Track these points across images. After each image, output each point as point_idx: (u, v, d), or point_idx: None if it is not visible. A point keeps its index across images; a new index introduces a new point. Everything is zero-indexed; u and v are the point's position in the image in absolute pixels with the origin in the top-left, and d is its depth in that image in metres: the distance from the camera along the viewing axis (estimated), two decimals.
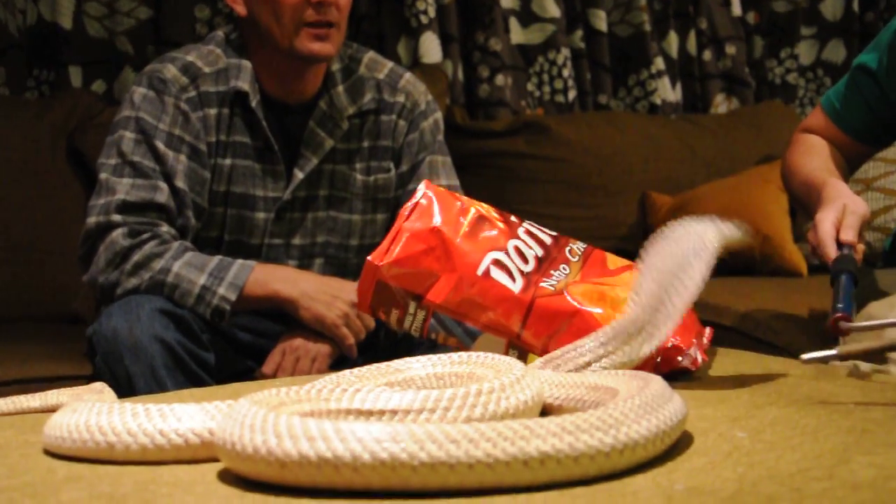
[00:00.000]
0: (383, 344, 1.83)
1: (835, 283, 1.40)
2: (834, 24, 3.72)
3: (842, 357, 1.18)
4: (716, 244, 1.12)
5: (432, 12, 3.12)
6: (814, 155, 1.78)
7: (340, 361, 1.81)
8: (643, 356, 1.12)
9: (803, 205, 1.75)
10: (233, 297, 1.72)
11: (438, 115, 2.00)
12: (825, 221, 1.49)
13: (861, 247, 1.49)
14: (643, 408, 0.85)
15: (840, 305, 1.31)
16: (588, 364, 1.12)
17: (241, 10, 1.84)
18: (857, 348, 1.18)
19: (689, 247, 1.11)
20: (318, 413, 0.88)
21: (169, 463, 0.90)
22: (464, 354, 1.09)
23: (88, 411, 0.93)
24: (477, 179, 2.88)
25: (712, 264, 1.10)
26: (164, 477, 0.86)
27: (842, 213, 1.49)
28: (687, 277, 1.08)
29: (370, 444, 0.77)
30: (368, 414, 0.88)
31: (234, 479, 0.83)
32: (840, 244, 1.47)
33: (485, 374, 1.04)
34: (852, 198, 1.55)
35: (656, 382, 0.92)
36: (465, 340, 1.29)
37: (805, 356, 1.15)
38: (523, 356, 1.27)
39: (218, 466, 0.87)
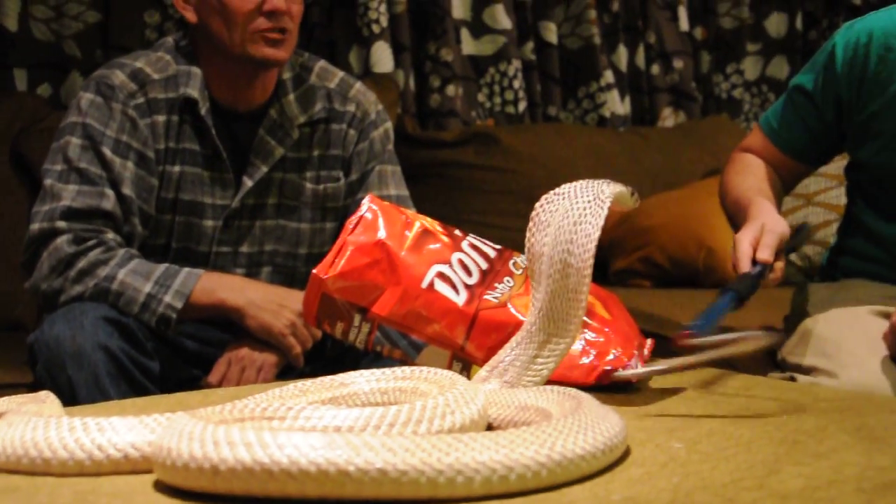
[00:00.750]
0: (330, 354, 1.83)
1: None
2: (778, 41, 3.77)
3: (656, 372, 1.23)
4: (609, 199, 1.11)
5: (384, 22, 3.12)
6: (748, 174, 1.79)
7: (287, 371, 1.81)
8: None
9: (733, 223, 1.76)
10: (179, 305, 1.71)
11: (388, 124, 2.00)
12: (743, 241, 1.50)
13: (779, 265, 1.51)
14: (581, 424, 0.87)
15: (694, 322, 1.31)
16: (528, 365, 1.12)
17: (191, 17, 1.83)
18: (673, 364, 1.21)
19: (584, 200, 1.10)
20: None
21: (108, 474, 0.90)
22: (408, 369, 1.10)
23: (24, 426, 0.92)
24: (427, 189, 2.88)
25: (604, 218, 1.09)
26: (104, 487, 0.86)
27: (760, 232, 1.51)
28: (581, 232, 1.08)
29: (306, 451, 0.77)
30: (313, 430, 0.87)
31: (173, 489, 0.83)
32: (756, 262, 1.48)
33: (429, 389, 1.04)
34: (773, 217, 1.57)
35: (589, 401, 0.93)
36: (409, 353, 1.30)
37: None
38: (467, 368, 1.28)
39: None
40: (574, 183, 1.13)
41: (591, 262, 1.08)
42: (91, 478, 0.89)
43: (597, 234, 1.08)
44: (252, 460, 0.78)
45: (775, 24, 3.79)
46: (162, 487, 0.85)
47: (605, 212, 1.09)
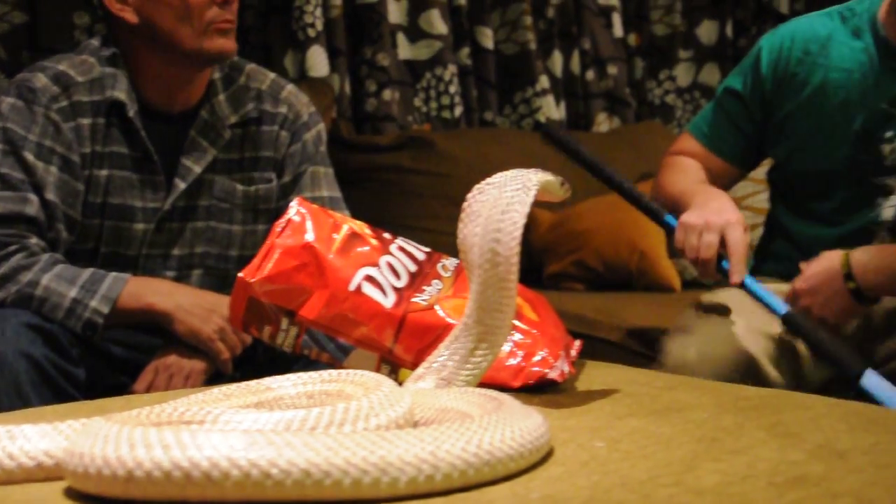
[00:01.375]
0: (261, 359, 1.82)
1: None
2: (709, 48, 3.83)
3: None
4: (535, 186, 1.11)
5: (320, 26, 3.11)
6: (687, 174, 1.82)
7: (216, 377, 1.79)
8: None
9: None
10: (105, 310, 1.68)
11: (321, 126, 1.99)
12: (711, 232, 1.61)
13: None
14: (505, 422, 0.87)
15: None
16: (466, 358, 1.12)
17: (131, 17, 1.78)
18: None
19: (511, 188, 1.10)
20: None
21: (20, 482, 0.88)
22: (334, 372, 1.09)
23: None
24: (362, 193, 2.88)
25: (529, 205, 1.09)
26: (14, 496, 0.84)
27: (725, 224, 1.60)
28: (508, 220, 1.08)
29: (226, 451, 0.75)
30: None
31: (86, 497, 0.81)
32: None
33: (354, 391, 1.03)
34: (729, 204, 1.64)
35: (510, 401, 0.94)
36: (337, 356, 1.29)
37: None
38: (395, 371, 1.28)
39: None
40: (505, 172, 1.13)
41: (517, 249, 1.07)
42: (1, 487, 0.87)
43: (522, 220, 1.07)
44: (169, 462, 0.75)
45: (706, 31, 3.85)
46: (74, 495, 0.83)
47: (531, 199, 1.09)
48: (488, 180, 1.13)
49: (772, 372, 1.55)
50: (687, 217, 1.63)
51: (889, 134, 1.67)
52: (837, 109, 1.70)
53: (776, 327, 1.60)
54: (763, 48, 1.82)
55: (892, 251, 1.56)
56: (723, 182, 1.86)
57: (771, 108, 1.78)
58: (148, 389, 1.73)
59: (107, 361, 1.80)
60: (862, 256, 1.57)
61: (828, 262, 1.59)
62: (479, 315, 1.11)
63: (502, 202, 1.09)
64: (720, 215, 1.61)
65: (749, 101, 1.80)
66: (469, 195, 1.14)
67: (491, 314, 1.10)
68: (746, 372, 1.53)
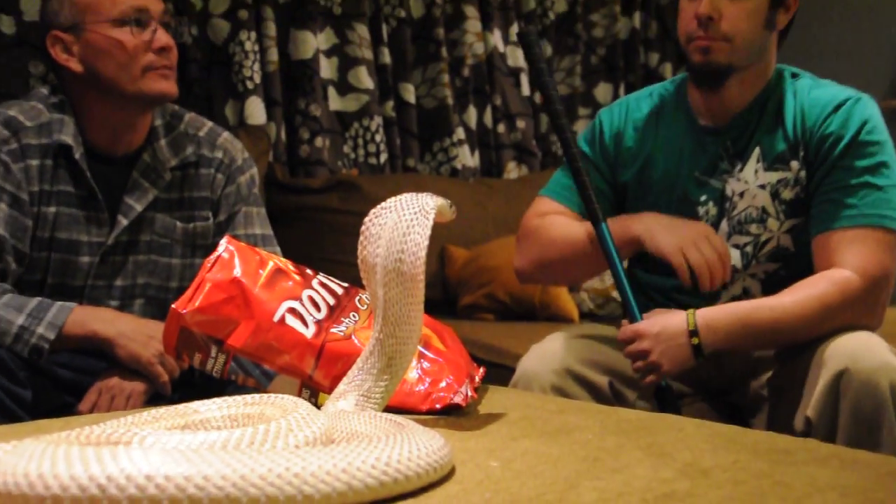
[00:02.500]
0: (197, 382, 1.78)
1: None
2: (604, 105, 3.85)
3: None
4: (433, 210, 1.11)
5: (258, 79, 3.10)
6: (571, 224, 1.76)
7: (156, 399, 1.76)
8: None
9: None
10: (51, 336, 1.65)
11: (254, 170, 1.98)
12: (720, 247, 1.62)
13: None
14: (408, 441, 0.86)
15: None
16: (383, 370, 1.11)
17: (76, 66, 1.77)
18: None
19: (410, 211, 1.11)
20: None
21: None
22: (256, 396, 1.08)
23: None
24: (295, 231, 2.87)
25: (430, 227, 1.09)
26: None
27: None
28: (411, 241, 1.08)
29: (144, 467, 0.73)
30: None
31: None
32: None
33: (273, 413, 1.03)
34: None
35: (414, 425, 0.94)
36: (262, 381, 1.28)
37: None
38: (315, 395, 1.27)
39: None
40: (399, 196, 1.14)
41: (422, 267, 1.08)
42: None
43: (425, 242, 1.08)
44: (87, 478, 0.72)
45: (602, 92, 3.92)
46: None
47: (431, 222, 1.10)
48: (383, 204, 1.14)
49: (593, 376, 1.55)
50: (669, 239, 1.60)
51: (703, 198, 1.69)
52: (662, 178, 1.72)
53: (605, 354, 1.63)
54: (603, 122, 1.81)
55: (732, 313, 1.55)
56: None
57: (614, 173, 1.78)
58: (92, 409, 1.69)
59: (53, 383, 1.75)
60: (706, 313, 1.54)
61: (673, 315, 1.57)
62: (389, 329, 1.11)
63: (402, 225, 1.10)
64: (695, 227, 1.62)
65: (598, 164, 1.78)
66: (366, 219, 1.14)
67: (400, 327, 1.10)
68: (569, 375, 1.54)
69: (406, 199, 1.12)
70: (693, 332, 1.53)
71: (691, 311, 1.55)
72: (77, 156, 1.77)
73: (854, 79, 1.86)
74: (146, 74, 1.75)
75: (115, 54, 1.74)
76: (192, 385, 1.76)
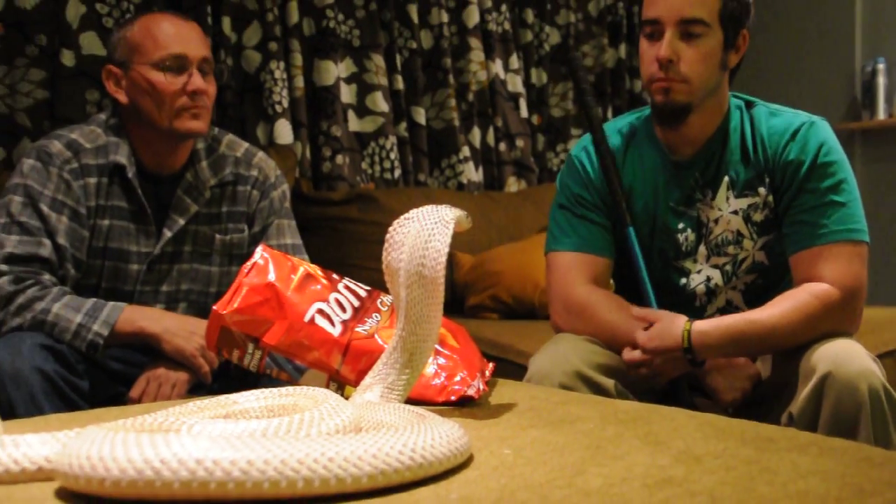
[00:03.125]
0: (234, 373, 1.78)
1: None
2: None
3: None
4: (452, 221, 1.10)
5: (286, 103, 3.10)
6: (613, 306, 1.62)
7: (198, 387, 1.76)
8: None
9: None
10: (105, 332, 1.65)
11: (285, 186, 1.97)
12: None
13: None
14: (431, 430, 0.85)
15: None
16: (405, 364, 1.09)
17: (123, 98, 1.79)
18: None
19: (430, 222, 1.09)
20: None
21: (24, 482, 0.84)
22: (290, 388, 1.07)
23: None
24: (319, 239, 2.86)
25: (450, 236, 1.08)
26: (17, 495, 0.81)
27: None
28: (433, 248, 1.07)
29: (194, 452, 0.72)
30: None
31: (76, 496, 0.78)
32: None
33: (306, 404, 1.01)
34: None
35: (433, 416, 0.92)
36: (294, 375, 1.27)
37: None
38: (341, 388, 1.26)
39: None
40: (420, 209, 1.12)
41: (442, 272, 1.06)
42: (7, 487, 0.83)
43: (446, 249, 1.07)
44: (142, 460, 0.72)
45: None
46: (63, 494, 0.80)
47: (451, 231, 1.08)
48: (406, 215, 1.13)
49: (600, 378, 1.50)
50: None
51: (681, 226, 1.65)
52: (642, 210, 1.67)
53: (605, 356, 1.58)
54: (579, 157, 1.70)
55: (725, 329, 1.51)
56: (606, 277, 1.69)
57: (605, 205, 1.68)
58: (140, 395, 1.69)
59: (107, 374, 1.76)
60: (700, 329, 1.51)
61: (670, 328, 1.52)
62: (410, 328, 1.09)
63: (424, 234, 1.08)
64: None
65: (597, 203, 1.67)
66: (391, 228, 1.13)
67: (421, 325, 1.09)
68: (578, 378, 1.49)
69: (427, 210, 1.11)
70: (687, 350, 1.51)
71: (686, 326, 1.51)
72: (130, 175, 1.78)
73: (814, 102, 1.85)
74: (179, 114, 1.75)
75: (151, 94, 1.75)
76: (228, 376, 1.77)
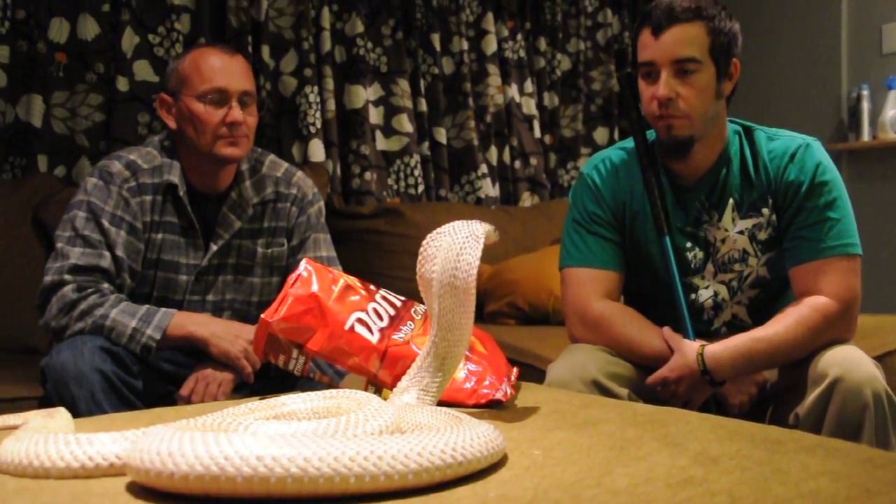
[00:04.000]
0: (274, 374, 1.78)
1: None
2: (602, 147, 3.86)
3: None
4: (483, 235, 1.09)
5: (318, 124, 3.10)
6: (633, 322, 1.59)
7: (241, 386, 1.76)
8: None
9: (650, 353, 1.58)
10: (158, 336, 1.66)
11: (321, 203, 1.98)
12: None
13: None
14: (470, 431, 0.85)
15: None
16: (437, 369, 1.08)
17: (171, 124, 1.80)
18: None
19: (462, 236, 1.08)
20: None
21: (98, 477, 0.85)
22: (334, 391, 1.07)
23: (28, 441, 0.87)
24: (349, 250, 2.86)
25: (481, 249, 1.07)
26: (94, 489, 0.81)
27: None
28: (464, 260, 1.06)
29: (255, 449, 0.72)
30: None
31: (151, 492, 0.78)
32: None
33: (349, 406, 1.01)
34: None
35: (470, 419, 0.92)
36: (335, 379, 1.27)
37: None
38: (379, 391, 1.26)
39: None
40: (452, 223, 1.12)
41: (473, 282, 1.05)
42: (83, 481, 0.84)
43: (476, 261, 1.05)
44: (208, 456, 0.72)
45: (600, 135, 3.90)
46: (136, 489, 0.80)
47: (482, 245, 1.07)
48: (439, 230, 1.12)
49: (615, 387, 1.49)
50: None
51: (689, 245, 1.63)
52: (652, 229, 1.63)
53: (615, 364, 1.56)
54: (591, 175, 1.67)
55: (735, 349, 1.50)
56: (618, 291, 1.66)
57: (622, 228, 1.66)
58: (189, 393, 1.70)
59: (158, 374, 1.76)
60: (713, 354, 1.50)
61: (687, 358, 1.51)
62: (442, 334, 1.09)
63: (456, 247, 1.08)
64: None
65: (610, 221, 1.64)
66: (424, 242, 1.12)
67: (452, 332, 1.08)
68: (594, 386, 1.48)
69: (459, 224, 1.10)
70: (704, 371, 1.50)
71: (699, 350, 1.51)
72: (181, 193, 1.78)
73: (805, 125, 1.84)
74: (217, 141, 1.76)
75: (194, 123, 1.76)
76: (269, 376, 1.77)
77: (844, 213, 1.55)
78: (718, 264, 1.64)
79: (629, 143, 1.72)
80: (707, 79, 1.54)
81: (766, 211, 1.60)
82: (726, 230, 1.62)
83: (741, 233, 1.62)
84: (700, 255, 1.64)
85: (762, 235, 1.61)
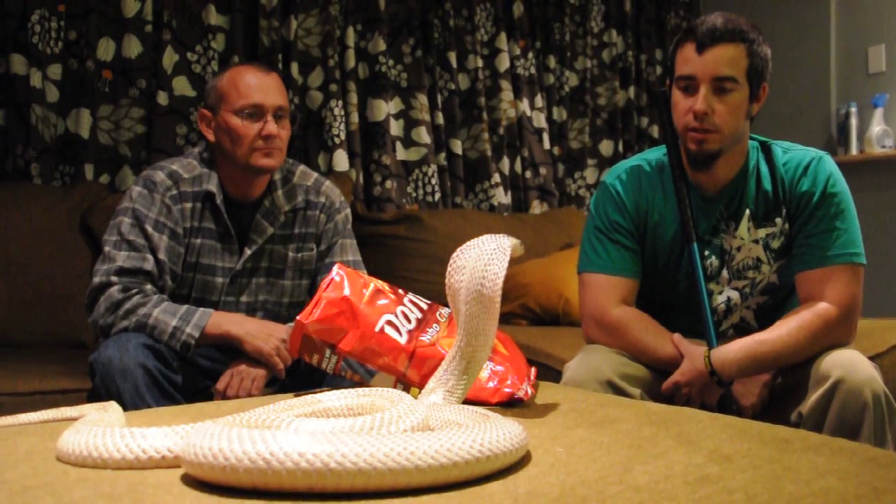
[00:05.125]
0: (304, 369, 1.78)
1: None
2: (608, 158, 3.85)
3: None
4: (509, 248, 1.09)
5: (343, 136, 3.10)
6: (648, 329, 1.57)
7: (273, 381, 1.77)
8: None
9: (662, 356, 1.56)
10: (196, 334, 1.66)
11: (348, 210, 1.97)
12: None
13: None
14: (496, 428, 0.84)
15: None
16: (463, 371, 1.07)
17: (211, 137, 1.81)
18: None
19: (490, 248, 1.08)
20: None
21: (151, 469, 0.85)
22: (366, 389, 1.06)
23: (87, 433, 0.88)
24: (372, 254, 2.85)
25: (507, 261, 1.06)
26: (149, 479, 0.82)
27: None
28: (491, 272, 1.05)
29: (297, 445, 0.73)
30: None
31: (198, 482, 0.79)
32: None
33: (383, 404, 1.01)
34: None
35: (496, 415, 0.91)
36: (365, 377, 1.26)
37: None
38: (407, 389, 1.25)
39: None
40: (480, 237, 1.11)
41: (499, 292, 1.05)
42: (139, 472, 0.84)
43: (503, 272, 1.05)
44: (255, 453, 0.73)
45: (605, 147, 3.88)
46: (188, 480, 0.80)
47: (508, 257, 1.07)
48: (468, 243, 1.11)
49: (628, 388, 1.48)
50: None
51: (707, 252, 1.62)
52: (672, 239, 1.62)
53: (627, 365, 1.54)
54: (614, 184, 1.64)
55: (740, 351, 1.49)
56: (634, 297, 1.63)
57: (641, 235, 1.63)
58: (225, 388, 1.70)
59: (196, 370, 1.76)
60: (719, 356, 1.49)
61: (695, 363, 1.50)
62: (468, 339, 1.08)
63: (483, 258, 1.07)
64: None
65: (630, 229, 1.62)
66: (454, 254, 1.11)
67: (477, 337, 1.08)
68: (609, 386, 1.47)
69: (487, 238, 1.10)
70: (712, 373, 1.49)
71: (706, 353, 1.50)
72: (218, 201, 1.79)
73: (798, 139, 1.83)
74: (253, 153, 1.76)
75: (231, 136, 1.76)
76: (299, 372, 1.76)
77: (851, 223, 1.54)
78: (733, 271, 1.62)
79: (651, 154, 1.69)
80: (741, 98, 1.52)
81: (779, 221, 1.59)
82: (742, 239, 1.61)
83: (756, 242, 1.60)
84: (716, 262, 1.63)
85: (775, 244, 1.60)
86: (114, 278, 1.67)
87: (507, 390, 1.21)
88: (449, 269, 1.10)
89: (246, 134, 1.75)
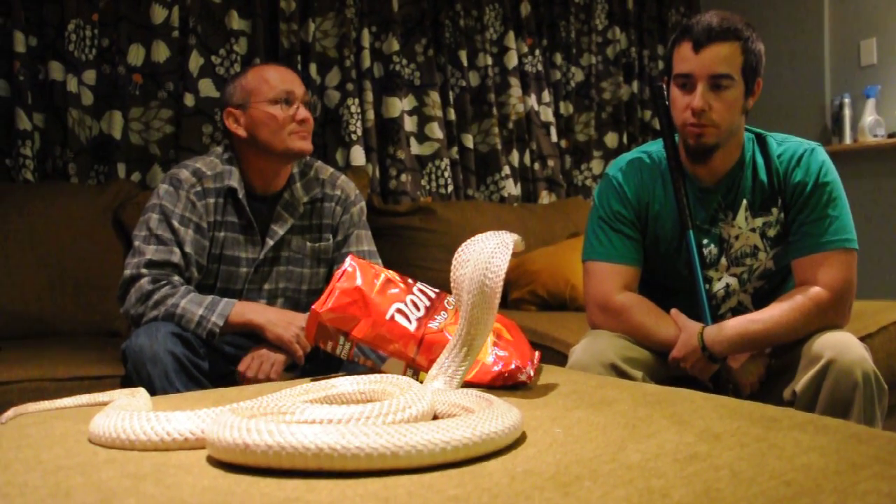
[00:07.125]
0: (322, 356, 1.79)
1: None
2: (612, 150, 3.83)
3: None
4: (511, 244, 1.09)
5: (359, 132, 3.11)
6: (650, 313, 1.56)
7: (292, 366, 1.79)
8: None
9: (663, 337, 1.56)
10: (221, 323, 1.67)
11: (363, 203, 1.98)
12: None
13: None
14: (494, 415, 0.85)
15: None
16: (463, 359, 1.08)
17: (242, 133, 1.81)
18: None
19: (493, 243, 1.08)
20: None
21: (174, 450, 0.87)
22: (378, 376, 1.07)
23: (116, 417, 0.90)
24: (388, 245, 2.87)
25: (509, 256, 1.06)
26: (172, 460, 0.83)
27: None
28: (494, 265, 1.06)
29: (308, 436, 0.75)
30: (313, 423, 0.85)
31: (219, 463, 0.80)
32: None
33: (393, 391, 1.02)
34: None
35: (497, 400, 0.92)
36: (377, 363, 1.27)
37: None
38: (416, 373, 1.26)
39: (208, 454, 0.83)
40: (484, 233, 1.12)
41: (500, 284, 1.05)
42: (163, 453, 0.86)
43: (505, 266, 1.05)
44: (273, 442, 0.75)
45: (610, 139, 3.86)
46: (211, 461, 0.82)
47: (510, 252, 1.07)
48: (472, 238, 1.12)
49: (630, 370, 1.48)
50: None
51: (706, 241, 1.61)
52: (671, 228, 1.62)
53: (630, 349, 1.54)
54: (616, 177, 1.63)
55: (732, 328, 1.49)
56: (636, 283, 1.62)
57: (643, 226, 1.63)
58: (246, 370, 1.71)
59: (221, 356, 1.78)
60: (711, 333, 1.50)
61: (690, 338, 1.51)
62: (468, 329, 1.09)
63: (486, 253, 1.08)
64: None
65: (632, 220, 1.61)
66: (459, 249, 1.12)
67: (476, 327, 1.08)
68: (612, 368, 1.47)
69: (489, 234, 1.10)
70: (704, 349, 1.50)
71: (700, 333, 1.51)
72: (240, 196, 1.80)
73: (794, 130, 1.83)
74: (290, 137, 1.78)
75: (269, 124, 1.77)
76: (317, 358, 1.78)
77: (843, 211, 1.53)
78: (731, 259, 1.62)
79: (651, 146, 1.69)
80: (737, 94, 1.52)
81: (775, 210, 1.59)
82: (739, 227, 1.61)
83: (753, 230, 1.60)
84: (715, 250, 1.62)
85: (771, 232, 1.59)
86: (143, 270, 1.69)
87: (510, 374, 1.22)
88: (454, 261, 1.11)
89: (284, 119, 1.77)
